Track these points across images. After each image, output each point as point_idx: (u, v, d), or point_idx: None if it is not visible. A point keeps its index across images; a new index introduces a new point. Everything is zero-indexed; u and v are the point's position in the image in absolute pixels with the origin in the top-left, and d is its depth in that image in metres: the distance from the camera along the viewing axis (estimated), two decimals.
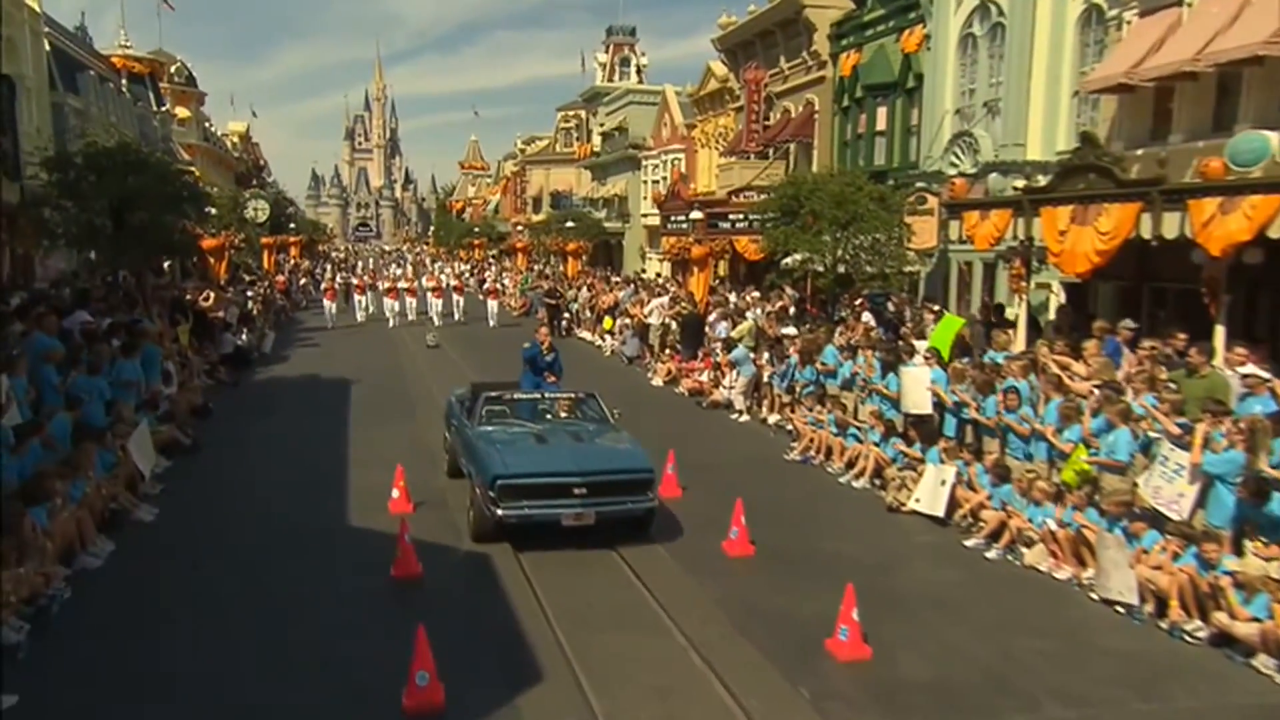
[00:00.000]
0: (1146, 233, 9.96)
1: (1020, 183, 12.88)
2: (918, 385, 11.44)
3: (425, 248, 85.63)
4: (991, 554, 8.82)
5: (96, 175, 16.48)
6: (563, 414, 9.96)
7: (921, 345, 12.31)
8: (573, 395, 10.31)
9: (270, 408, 15.65)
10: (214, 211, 22.63)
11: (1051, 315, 14.96)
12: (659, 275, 30.20)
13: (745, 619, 7.21)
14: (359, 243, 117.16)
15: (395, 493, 9.70)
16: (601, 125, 46.27)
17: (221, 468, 11.49)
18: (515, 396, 10.17)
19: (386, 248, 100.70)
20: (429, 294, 29.66)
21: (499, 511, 8.11)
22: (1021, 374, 10.01)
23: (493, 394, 9.93)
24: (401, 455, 10.96)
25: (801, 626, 7.12)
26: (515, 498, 8.12)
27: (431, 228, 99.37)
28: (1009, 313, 14.46)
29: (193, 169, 24.09)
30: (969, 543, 9.16)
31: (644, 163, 39.32)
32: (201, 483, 10.75)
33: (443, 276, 31.31)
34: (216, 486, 10.64)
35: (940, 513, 9.75)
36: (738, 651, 6.70)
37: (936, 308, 14.74)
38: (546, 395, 10.30)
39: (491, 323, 28.50)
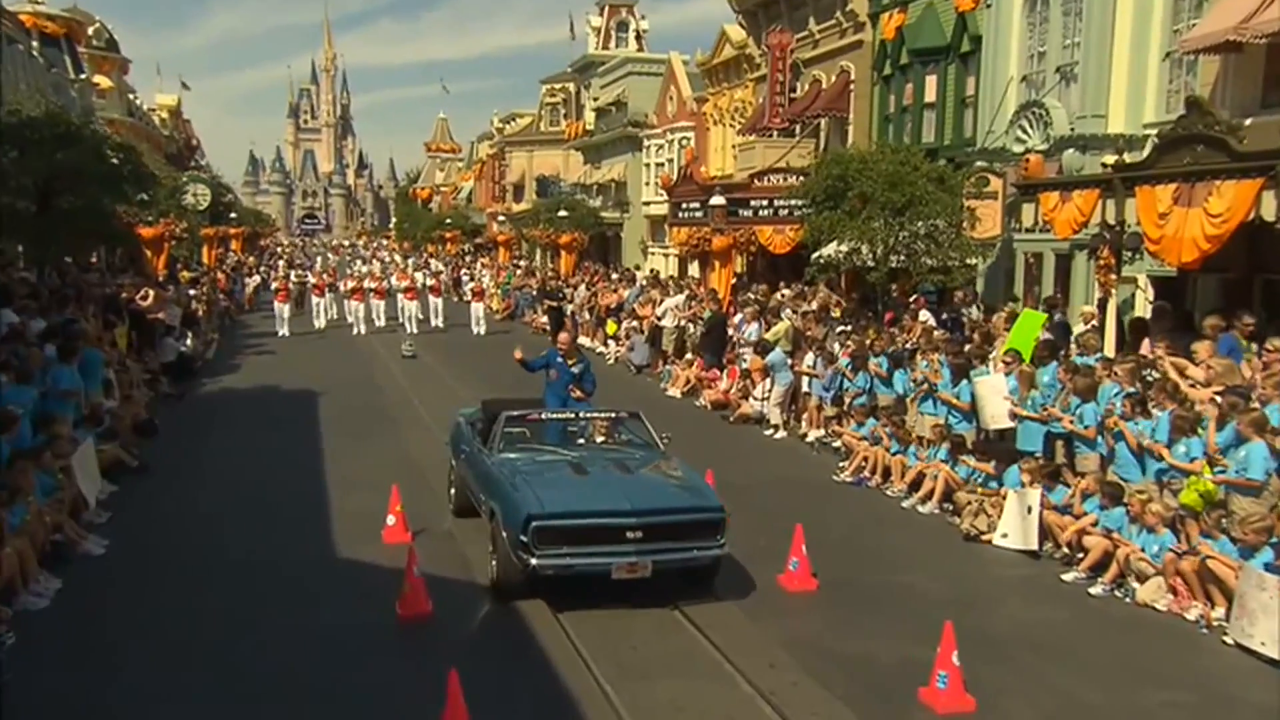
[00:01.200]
0: (1270, 214, 9.90)
1: (1108, 158, 12.81)
2: (995, 395, 11.37)
3: (385, 242, 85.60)
4: (1097, 590, 8.75)
5: (19, 150, 16.29)
6: (599, 438, 9.62)
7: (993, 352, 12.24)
8: (612, 414, 9.92)
9: (225, 423, 15.69)
10: (146, 197, 22.44)
11: (1139, 314, 14.92)
12: (655, 272, 29.99)
13: (817, 663, 7.15)
14: (305, 236, 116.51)
15: (390, 519, 9.63)
16: (595, 100, 46.32)
17: (176, 492, 11.40)
18: (542, 416, 9.78)
19: (340, 243, 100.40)
20: (401, 296, 29.50)
21: (532, 561, 7.55)
22: (1129, 379, 9.93)
23: (514, 413, 9.45)
24: (388, 476, 10.89)
25: (885, 672, 7.08)
26: (553, 543, 7.57)
27: (392, 219, 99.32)
28: (1082, 311, 14.40)
29: (133, 145, 23.88)
30: (1068, 576, 9.11)
31: (646, 143, 39.37)
32: (155, 510, 10.63)
33: (419, 276, 31.11)
34: (174, 514, 10.54)
35: (1033, 545, 9.71)
36: (815, 701, 6.60)
37: (1008, 307, 14.66)
38: (581, 415, 9.94)
39: (478, 329, 28.43)
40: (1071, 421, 10.23)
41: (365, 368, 22.16)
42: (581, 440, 9.63)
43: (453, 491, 10.26)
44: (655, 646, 7.29)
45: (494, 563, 8.14)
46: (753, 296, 19.15)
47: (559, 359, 11.32)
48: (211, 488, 11.58)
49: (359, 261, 48.14)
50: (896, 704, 6.59)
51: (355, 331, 27.83)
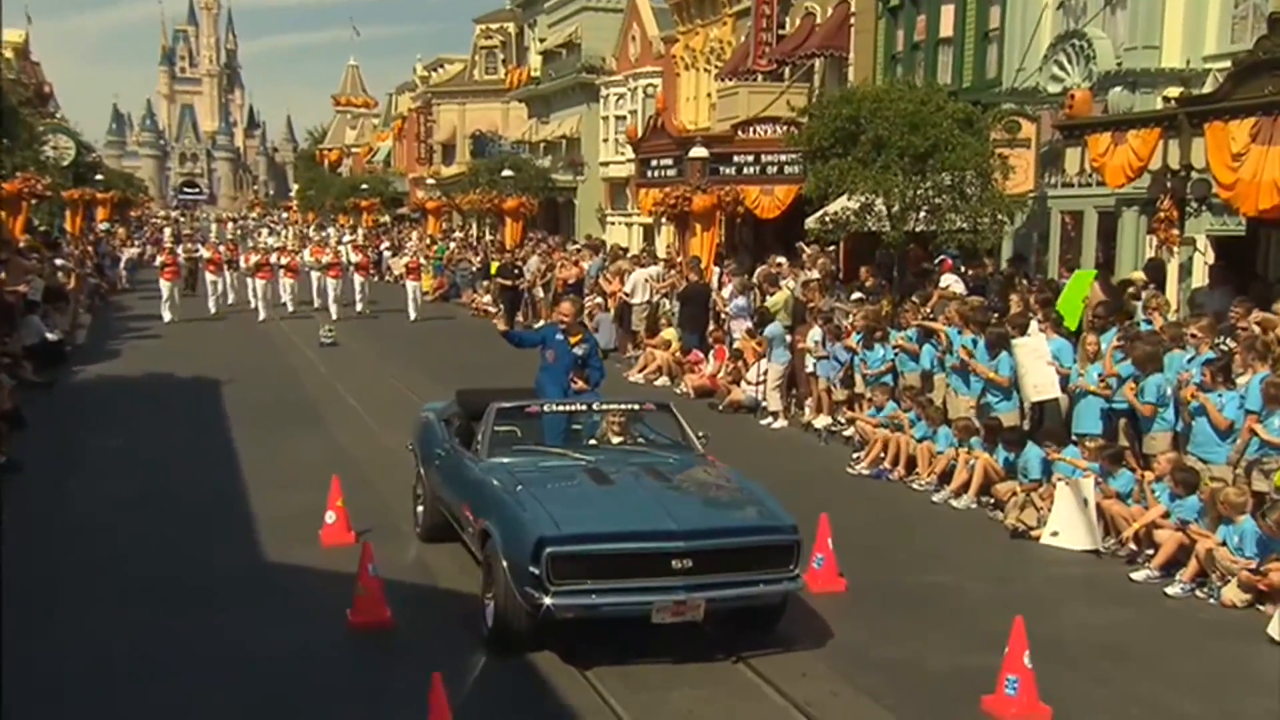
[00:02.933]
0: None
1: (1172, 91, 12.96)
2: (1037, 361, 11.47)
3: (286, 215, 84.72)
4: (1174, 589, 8.84)
5: None
6: (616, 437, 9.02)
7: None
8: (634, 405, 9.39)
9: (107, 417, 15.65)
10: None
11: (1199, 281, 15.14)
12: (616, 246, 29.89)
13: (857, 671, 7.20)
14: (184, 209, 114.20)
15: (330, 516, 9.55)
16: (541, 42, 46.13)
17: (60, 494, 11.25)
18: (544, 408, 9.15)
19: (229, 216, 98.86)
20: (320, 274, 29.08)
21: (545, 600, 6.71)
22: (1208, 338, 10.03)
23: (506, 405, 8.75)
24: (320, 472, 10.84)
25: (938, 680, 7.13)
26: (573, 575, 6.77)
27: (293, 187, 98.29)
28: (1132, 278, 14.55)
29: None
30: (1138, 575, 9.20)
31: (604, 92, 39.25)
32: (37, 514, 10.40)
33: (342, 250, 30.69)
34: (61, 519, 10.37)
35: (1094, 545, 9.81)
36: (860, 713, 6.64)
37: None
38: (595, 406, 9.35)
39: (414, 315, 28.18)
40: (1135, 393, 10.30)
41: (276, 355, 22.04)
42: (592, 440, 9.07)
43: (420, 510, 9.60)
44: (664, 650, 7.22)
45: (488, 605, 7.26)
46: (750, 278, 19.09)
47: (559, 336, 10.58)
48: (100, 490, 11.40)
49: (264, 232, 47.47)
50: (957, 714, 6.60)
51: (260, 317, 27.39)
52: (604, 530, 6.98)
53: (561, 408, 9.37)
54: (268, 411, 15.66)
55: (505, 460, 8.18)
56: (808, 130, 16.63)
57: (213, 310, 28.05)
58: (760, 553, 7.17)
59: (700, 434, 8.89)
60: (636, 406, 9.43)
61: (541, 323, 11.42)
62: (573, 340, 10.58)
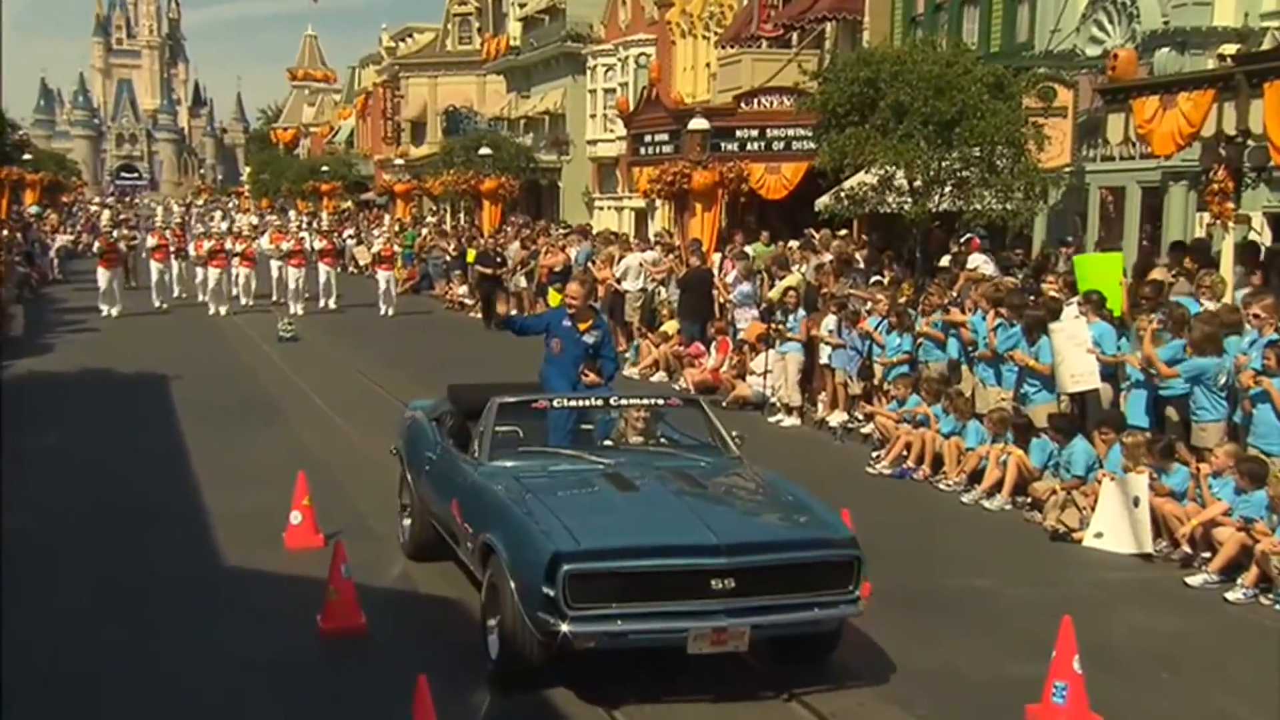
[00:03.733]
0: None
1: (1228, 49, 12.96)
2: (1076, 348, 11.47)
3: (237, 201, 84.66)
4: (1235, 594, 8.83)
5: None
6: (636, 437, 8.79)
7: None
8: (657, 401, 9.14)
9: (41, 413, 15.63)
10: None
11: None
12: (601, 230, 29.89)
13: (888, 680, 7.22)
14: (122, 195, 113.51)
15: (296, 517, 9.54)
16: (522, 7, 46.16)
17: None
18: (553, 404, 8.89)
19: (171, 202, 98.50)
20: (281, 263, 28.91)
21: (562, 627, 6.35)
22: (1272, 318, 10.02)
23: (509, 400, 8.47)
24: (283, 471, 10.82)
25: (977, 690, 7.14)
26: (596, 598, 6.43)
27: (243, 170, 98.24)
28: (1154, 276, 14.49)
29: None
30: (1194, 580, 9.20)
31: (591, 63, 39.24)
32: None
33: (305, 236, 30.55)
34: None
35: (1144, 548, 9.80)
36: None
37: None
38: (612, 401, 8.97)
39: (387, 310, 28.07)
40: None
41: (230, 351, 22.06)
42: (608, 441, 8.85)
43: (407, 523, 9.30)
44: (672, 658, 7.15)
45: (492, 634, 6.95)
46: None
47: (566, 323, 10.24)
48: (39, 492, 11.33)
49: (217, 215, 47.34)
50: None
51: (212, 310, 27.25)
52: (630, 544, 6.61)
53: (573, 403, 8.99)
54: (220, 409, 15.65)
55: (509, 464, 7.84)
56: (820, 95, 16.59)
57: (158, 304, 27.91)
58: (814, 570, 6.80)
59: (734, 434, 8.55)
60: (661, 402, 9.16)
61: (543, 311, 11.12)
62: (582, 327, 10.23)
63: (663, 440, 8.82)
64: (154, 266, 28.56)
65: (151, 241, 29.81)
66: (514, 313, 12.71)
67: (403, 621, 8.05)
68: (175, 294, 29.25)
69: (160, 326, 25.45)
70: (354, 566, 8.15)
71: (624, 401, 9.02)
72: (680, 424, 9.08)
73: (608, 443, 8.82)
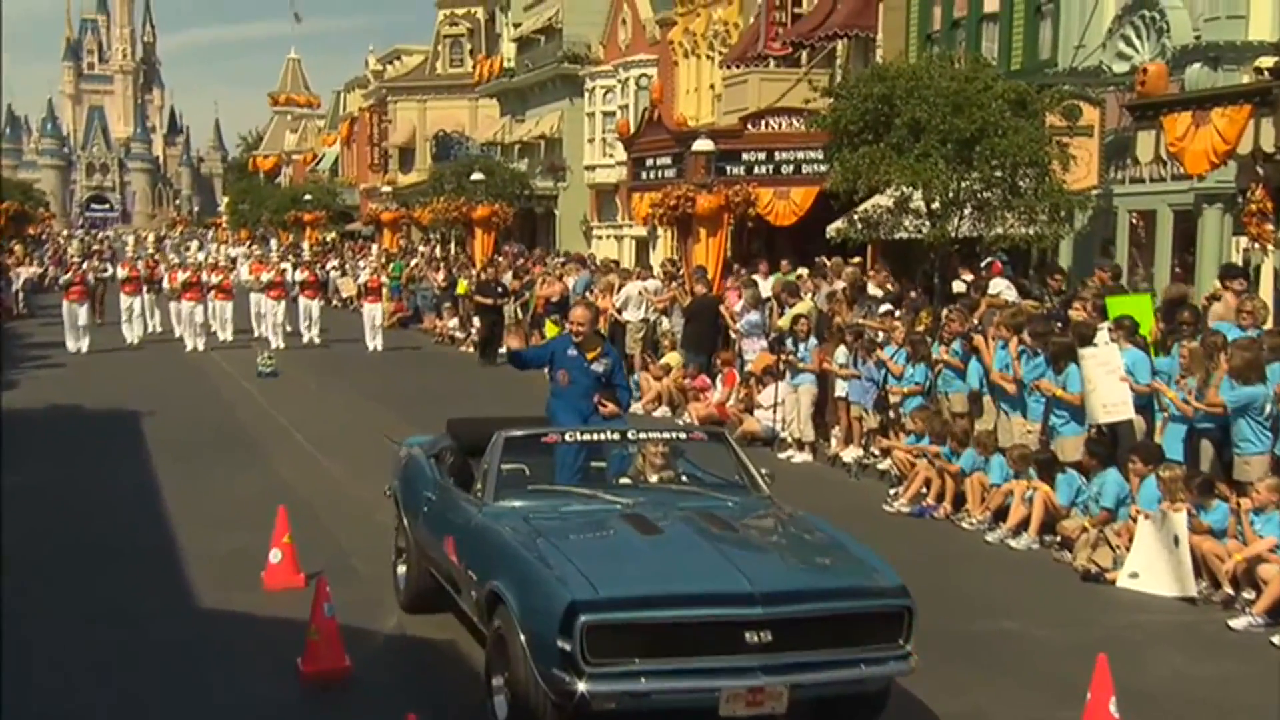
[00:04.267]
0: None
1: (1266, 61, 12.99)
2: (1108, 376, 11.45)
3: (213, 233, 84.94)
4: None
5: None
6: (656, 474, 8.57)
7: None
8: (679, 434, 9.12)
9: (12, 450, 15.33)
10: None
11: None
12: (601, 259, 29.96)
13: None
14: (92, 227, 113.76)
15: (275, 555, 9.51)
16: (516, 27, 46.44)
17: None
18: (565, 438, 8.66)
19: (142, 234, 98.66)
20: (261, 296, 28.90)
21: (579, 686, 6.08)
22: None
23: (516, 434, 8.24)
24: (257, 507, 10.99)
25: None
26: (617, 652, 6.17)
27: (221, 200, 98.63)
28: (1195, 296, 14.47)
29: None
30: (1238, 623, 9.14)
31: (589, 84, 39.54)
32: None
33: (286, 267, 30.56)
34: None
35: (1188, 590, 9.76)
36: None
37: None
38: (629, 435, 8.79)
39: (374, 343, 28.03)
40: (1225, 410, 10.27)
41: (206, 386, 22.07)
42: (625, 479, 8.64)
43: (402, 570, 9.08)
44: None
45: (499, 694, 6.73)
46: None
47: (571, 352, 10.10)
48: (6, 532, 11.21)
49: (194, 245, 47.39)
50: None
51: (188, 347, 27.19)
52: (655, 592, 6.33)
53: (588, 437, 8.80)
54: (196, 445, 15.67)
55: (518, 504, 7.62)
56: (832, 113, 16.66)
57: (129, 339, 27.75)
58: (860, 622, 6.51)
59: (764, 471, 8.32)
60: (683, 435, 9.02)
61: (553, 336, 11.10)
62: (589, 355, 10.09)
63: (684, 478, 8.60)
64: (124, 300, 28.45)
65: (122, 273, 29.71)
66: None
67: (391, 665, 8.01)
68: (148, 329, 29.13)
69: (132, 363, 25.38)
70: (338, 606, 8.10)
71: (643, 435, 8.82)
72: (702, 460, 8.86)
73: (624, 481, 8.60)
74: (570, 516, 7.55)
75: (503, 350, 24.81)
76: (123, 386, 20.91)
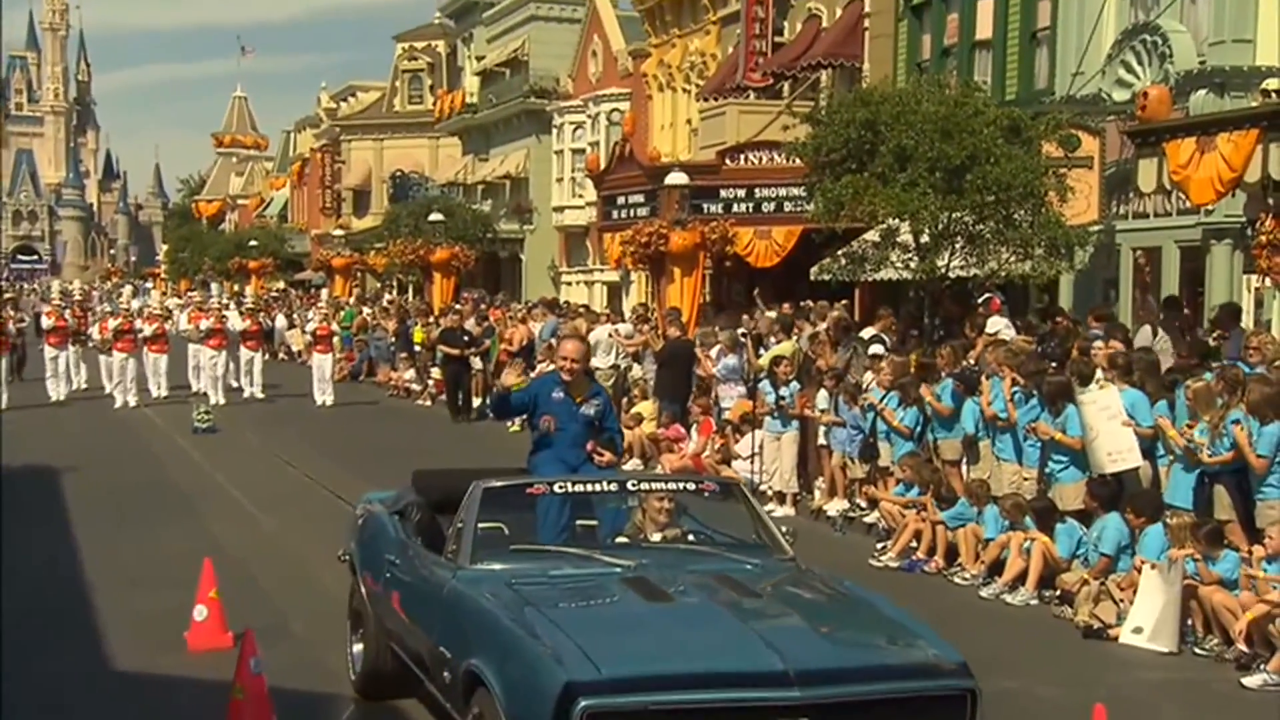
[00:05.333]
0: None
1: (1273, 84, 13.17)
2: (1110, 421, 11.45)
3: (150, 284, 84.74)
4: None
5: None
6: (660, 531, 7.93)
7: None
8: (686, 485, 8.67)
9: None
10: None
11: None
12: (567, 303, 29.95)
13: None
14: (18, 280, 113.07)
15: (200, 612, 9.38)
16: (479, 60, 46.79)
17: None
18: (552, 489, 8.09)
19: (70, 286, 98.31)
20: (198, 346, 28.68)
21: None
22: None
23: (495, 485, 7.74)
24: (185, 565, 10.78)
25: None
26: None
27: (160, 248, 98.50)
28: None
29: None
30: (1252, 681, 9.07)
31: (557, 120, 39.79)
32: None
33: (228, 315, 30.37)
34: None
35: (1173, 646, 9.81)
36: None
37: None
38: (629, 485, 8.29)
39: (323, 399, 27.92)
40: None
41: (137, 442, 21.94)
42: (623, 538, 7.98)
43: (358, 649, 8.48)
44: None
45: None
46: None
47: (558, 393, 9.48)
48: None
49: (126, 290, 47.06)
50: None
51: (119, 403, 26.91)
52: (669, 671, 5.78)
53: (580, 488, 8.18)
54: (123, 503, 15.60)
55: (499, 567, 7.10)
56: (813, 140, 16.76)
57: (54, 396, 27.32)
58: (914, 707, 5.95)
59: (785, 529, 7.89)
60: (691, 486, 8.53)
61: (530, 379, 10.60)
62: (577, 398, 9.49)
63: (692, 537, 7.96)
64: (49, 352, 28.15)
65: (47, 323, 29.40)
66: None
67: None
68: (74, 385, 28.74)
69: (55, 420, 24.99)
70: (270, 668, 7.98)
71: (645, 486, 8.21)
72: (711, 517, 8.27)
73: (622, 540, 7.94)
74: (562, 581, 7.01)
75: (477, 404, 25.07)
76: (43, 445, 20.64)
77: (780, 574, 7.28)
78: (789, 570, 7.36)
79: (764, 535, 7.71)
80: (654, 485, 8.23)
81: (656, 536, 7.86)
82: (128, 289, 49.07)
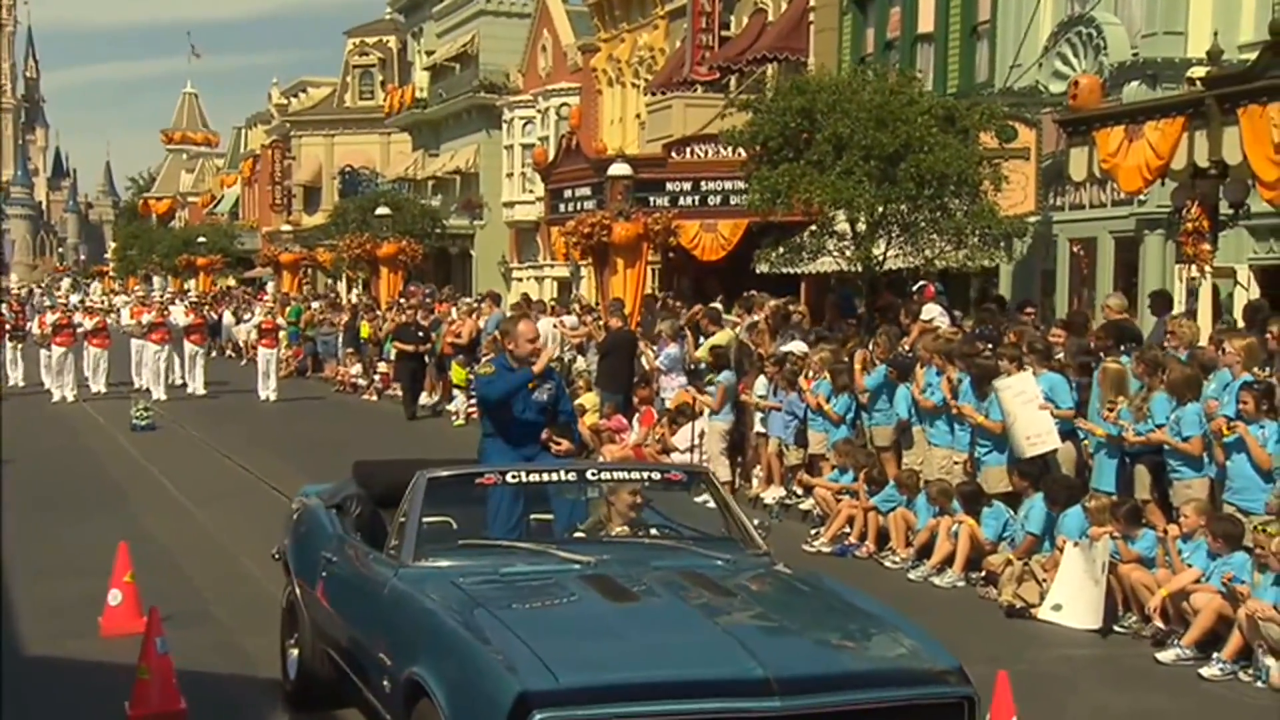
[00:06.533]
0: None
1: (1198, 71, 13.31)
2: (1026, 406, 11.56)
3: (97, 284, 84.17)
4: (1211, 670, 8.84)
5: None
6: (621, 524, 7.36)
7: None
8: (652, 474, 8.14)
9: None
10: None
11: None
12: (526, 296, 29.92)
13: None
14: None
15: (115, 597, 9.34)
16: (429, 55, 46.66)
17: None
18: (504, 478, 7.46)
19: (15, 288, 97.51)
20: (141, 340, 28.42)
21: None
22: (1247, 361, 10.14)
23: (443, 475, 7.18)
24: (110, 554, 10.35)
25: None
26: None
27: (110, 246, 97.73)
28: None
29: None
30: (1166, 655, 9.20)
31: (507, 115, 39.78)
32: None
33: (173, 310, 30.11)
34: None
35: (1095, 623, 9.94)
36: None
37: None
38: (588, 475, 7.90)
39: (267, 394, 27.75)
40: (1167, 432, 10.37)
41: (73, 438, 21.80)
42: (581, 532, 7.53)
43: (295, 654, 7.90)
44: None
45: None
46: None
47: (512, 372, 9.23)
48: None
49: (65, 283, 46.76)
50: None
51: (56, 397, 26.66)
52: (634, 680, 5.30)
53: (534, 478, 7.60)
54: (52, 496, 15.47)
55: (445, 564, 6.58)
56: (750, 127, 16.81)
57: None
58: (908, 716, 5.50)
59: (757, 521, 7.41)
60: (656, 475, 7.94)
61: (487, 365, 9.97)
62: (533, 386, 9.18)
63: (656, 531, 7.44)
64: None
65: None
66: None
67: (232, 704, 7.88)
68: (10, 382, 28.43)
69: None
70: (185, 649, 8.00)
71: (605, 475, 7.80)
72: (675, 509, 7.79)
73: (579, 534, 7.48)
74: (515, 580, 6.44)
75: (424, 401, 24.92)
76: None
77: (754, 570, 6.80)
78: (763, 566, 6.87)
79: (735, 528, 7.20)
80: (615, 475, 7.81)
81: (620, 529, 7.32)
82: (65, 282, 48.70)
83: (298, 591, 7.91)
